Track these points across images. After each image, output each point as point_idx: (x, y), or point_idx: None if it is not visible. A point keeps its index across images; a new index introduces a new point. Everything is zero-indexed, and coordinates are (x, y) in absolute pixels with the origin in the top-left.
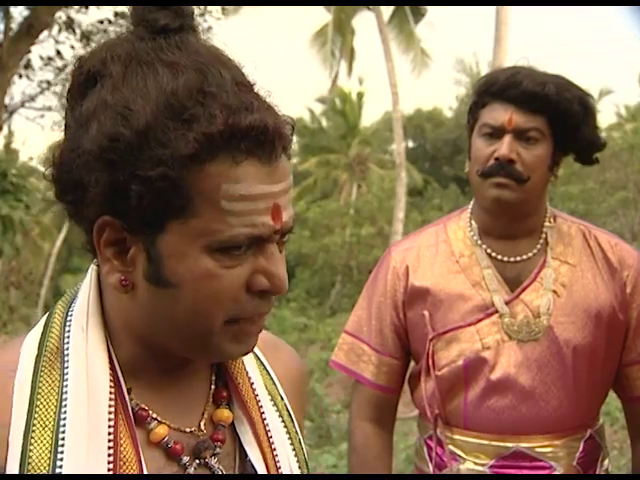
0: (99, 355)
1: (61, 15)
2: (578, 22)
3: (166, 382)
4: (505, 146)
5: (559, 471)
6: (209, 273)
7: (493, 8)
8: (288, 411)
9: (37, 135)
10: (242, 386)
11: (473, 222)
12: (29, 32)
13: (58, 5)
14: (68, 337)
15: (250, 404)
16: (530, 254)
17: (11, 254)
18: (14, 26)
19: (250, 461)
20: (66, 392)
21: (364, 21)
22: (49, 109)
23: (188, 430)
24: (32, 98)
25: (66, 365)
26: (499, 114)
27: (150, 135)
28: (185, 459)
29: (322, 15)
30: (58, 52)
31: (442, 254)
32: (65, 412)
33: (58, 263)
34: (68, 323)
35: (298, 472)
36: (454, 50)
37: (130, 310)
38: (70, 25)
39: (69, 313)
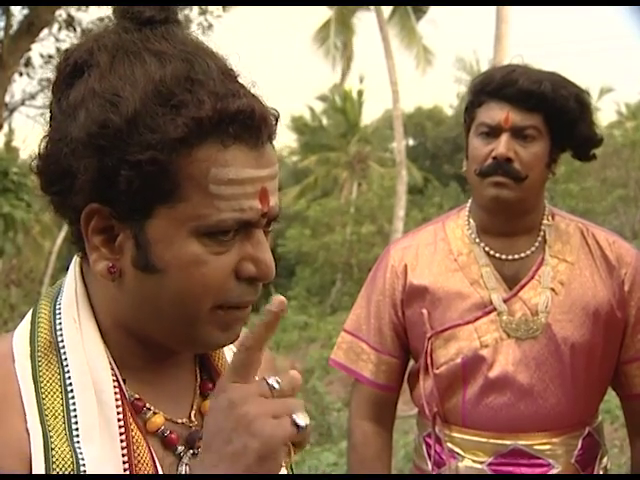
0: (97, 346)
1: (61, 13)
2: (578, 20)
3: (154, 374)
4: (502, 145)
5: (557, 468)
6: (197, 259)
7: (493, 6)
8: None
9: (38, 133)
10: None
11: (471, 220)
12: (29, 30)
13: (58, 5)
14: (61, 330)
15: None
16: (528, 252)
17: (12, 252)
18: (14, 24)
19: None
20: (70, 383)
21: (365, 19)
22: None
23: (180, 421)
24: (32, 96)
25: (64, 357)
26: (496, 113)
27: (139, 121)
28: (180, 448)
29: (323, 13)
30: (58, 50)
31: (440, 252)
32: (73, 402)
33: (59, 261)
34: (58, 317)
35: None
36: (454, 48)
37: (117, 299)
38: (70, 23)
39: (57, 307)
